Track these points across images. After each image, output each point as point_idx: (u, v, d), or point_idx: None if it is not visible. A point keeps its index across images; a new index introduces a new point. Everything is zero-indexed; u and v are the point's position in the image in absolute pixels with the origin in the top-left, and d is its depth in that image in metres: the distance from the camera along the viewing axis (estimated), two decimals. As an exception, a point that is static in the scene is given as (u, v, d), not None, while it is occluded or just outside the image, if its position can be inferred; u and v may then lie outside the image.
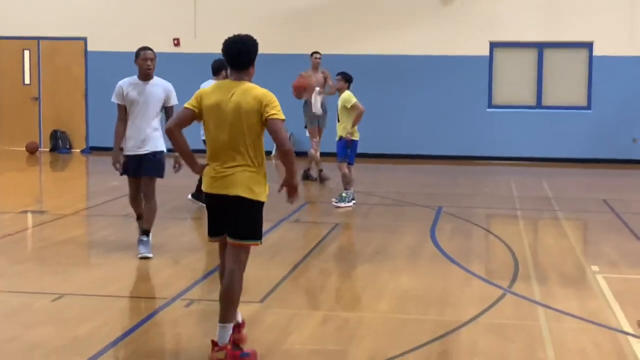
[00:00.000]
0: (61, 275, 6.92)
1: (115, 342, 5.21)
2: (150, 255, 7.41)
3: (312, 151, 12.55)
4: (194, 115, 4.86)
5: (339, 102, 10.77)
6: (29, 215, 10.06)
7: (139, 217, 7.71)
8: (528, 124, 16.15)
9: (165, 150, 7.48)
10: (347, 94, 10.67)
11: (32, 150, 16.97)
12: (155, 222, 7.65)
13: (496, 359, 5.04)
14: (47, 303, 6.03)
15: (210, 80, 10.00)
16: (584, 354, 5.12)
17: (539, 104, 16.27)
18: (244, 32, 5.10)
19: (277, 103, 4.79)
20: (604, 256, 7.92)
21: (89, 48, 17.17)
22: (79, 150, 17.29)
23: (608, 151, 15.84)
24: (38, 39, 17.28)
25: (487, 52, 16.23)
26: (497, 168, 15.39)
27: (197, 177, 10.09)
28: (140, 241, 7.49)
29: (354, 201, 10.64)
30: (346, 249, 8.51)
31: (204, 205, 10.53)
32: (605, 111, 15.81)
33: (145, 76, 7.42)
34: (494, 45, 16.27)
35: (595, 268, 7.32)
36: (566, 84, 16.22)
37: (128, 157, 7.44)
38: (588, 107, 16.02)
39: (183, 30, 16.78)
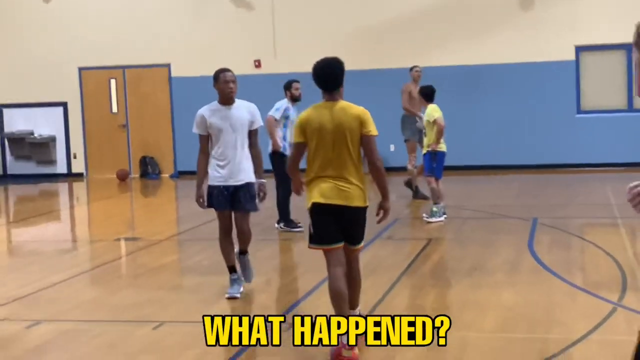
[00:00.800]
0: (159, 303, 6.94)
1: (218, 370, 5.16)
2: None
3: (410, 166, 12.28)
4: (306, 146, 5.30)
5: (424, 116, 10.63)
6: (123, 242, 10.22)
7: (232, 269, 6.91)
8: (620, 128, 15.61)
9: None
10: (431, 107, 10.47)
11: (122, 177, 17.33)
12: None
13: (614, 378, 4.80)
14: (148, 331, 6.04)
15: (283, 99, 9.99)
16: None
17: (630, 107, 15.73)
18: (321, 49, 5.38)
19: (371, 120, 5.28)
20: None
21: (173, 74, 17.48)
22: (167, 175, 17.59)
23: None
24: (123, 67, 17.69)
25: (573, 57, 15.79)
26: (590, 175, 14.90)
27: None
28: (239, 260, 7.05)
29: (445, 215, 10.44)
30: (441, 266, 8.31)
31: (294, 229, 10.41)
32: (702, 110, 15.20)
33: (228, 100, 6.71)
34: (579, 49, 15.81)
35: None
36: (658, 84, 15.61)
37: (216, 187, 6.73)
38: (683, 107, 15.41)
39: (263, 51, 16.91)
